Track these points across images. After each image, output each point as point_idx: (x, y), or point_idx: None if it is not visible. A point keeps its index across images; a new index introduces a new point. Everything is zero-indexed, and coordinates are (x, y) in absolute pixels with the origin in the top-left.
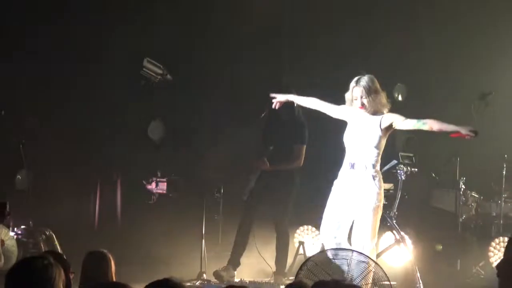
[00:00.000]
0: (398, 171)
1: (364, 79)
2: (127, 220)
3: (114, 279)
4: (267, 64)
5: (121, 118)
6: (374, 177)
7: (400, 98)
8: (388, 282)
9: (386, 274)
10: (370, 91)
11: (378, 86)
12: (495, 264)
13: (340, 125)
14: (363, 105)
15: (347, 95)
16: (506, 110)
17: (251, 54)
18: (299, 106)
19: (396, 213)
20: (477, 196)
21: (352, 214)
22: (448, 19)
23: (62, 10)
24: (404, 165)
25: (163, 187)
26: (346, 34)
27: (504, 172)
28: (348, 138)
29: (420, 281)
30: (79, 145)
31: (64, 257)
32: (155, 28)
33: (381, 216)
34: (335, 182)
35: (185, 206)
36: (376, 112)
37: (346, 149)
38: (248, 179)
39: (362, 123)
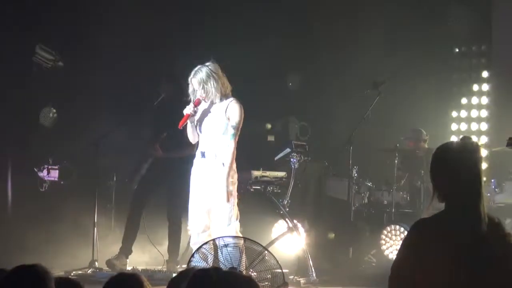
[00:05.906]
0: (291, 160)
1: (198, 72)
2: (18, 208)
3: None
4: (160, 53)
5: (12, 104)
6: (224, 164)
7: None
8: (280, 270)
9: (278, 262)
10: (204, 81)
11: (213, 73)
12: (386, 252)
13: None
14: (201, 96)
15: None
16: (399, 100)
17: (143, 43)
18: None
19: (290, 201)
20: (369, 184)
21: (207, 202)
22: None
23: None
24: (297, 153)
25: (54, 174)
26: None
27: (396, 161)
28: (198, 127)
29: (313, 269)
30: None
31: None
32: (49, 14)
33: (274, 204)
34: (192, 171)
35: (77, 194)
36: (222, 98)
37: (199, 138)
38: (139, 166)
39: (210, 111)
